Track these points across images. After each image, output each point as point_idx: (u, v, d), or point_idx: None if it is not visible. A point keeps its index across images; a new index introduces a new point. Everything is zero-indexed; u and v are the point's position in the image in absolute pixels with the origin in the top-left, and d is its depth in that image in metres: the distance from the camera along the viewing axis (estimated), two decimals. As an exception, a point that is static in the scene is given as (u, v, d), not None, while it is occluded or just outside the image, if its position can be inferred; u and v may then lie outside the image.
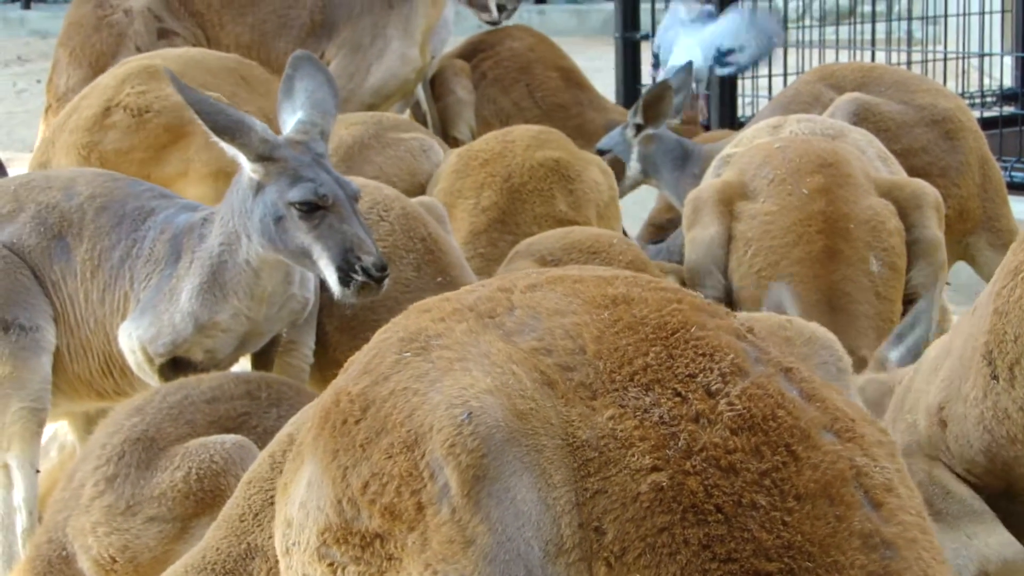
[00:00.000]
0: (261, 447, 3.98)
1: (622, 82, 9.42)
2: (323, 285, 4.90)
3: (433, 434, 2.68)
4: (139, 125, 6.38)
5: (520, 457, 2.67)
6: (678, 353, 2.79)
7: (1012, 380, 3.81)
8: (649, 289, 2.91)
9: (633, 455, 2.68)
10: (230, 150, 4.43)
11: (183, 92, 4.43)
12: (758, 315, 3.25)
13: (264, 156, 4.40)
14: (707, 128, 8.64)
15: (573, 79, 8.60)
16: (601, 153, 6.78)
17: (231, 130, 4.40)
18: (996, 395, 3.81)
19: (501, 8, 8.53)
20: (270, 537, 3.56)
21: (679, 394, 2.74)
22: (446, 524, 2.66)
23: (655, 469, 2.67)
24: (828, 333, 3.26)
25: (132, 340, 4.63)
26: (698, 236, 5.00)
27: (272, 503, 3.59)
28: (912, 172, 5.58)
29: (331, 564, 2.80)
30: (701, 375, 2.77)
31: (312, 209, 4.35)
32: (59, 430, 5.58)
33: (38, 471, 4.85)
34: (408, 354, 2.83)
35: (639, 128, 6.79)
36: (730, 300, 4.94)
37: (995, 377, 3.86)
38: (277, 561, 3.52)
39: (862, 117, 6.03)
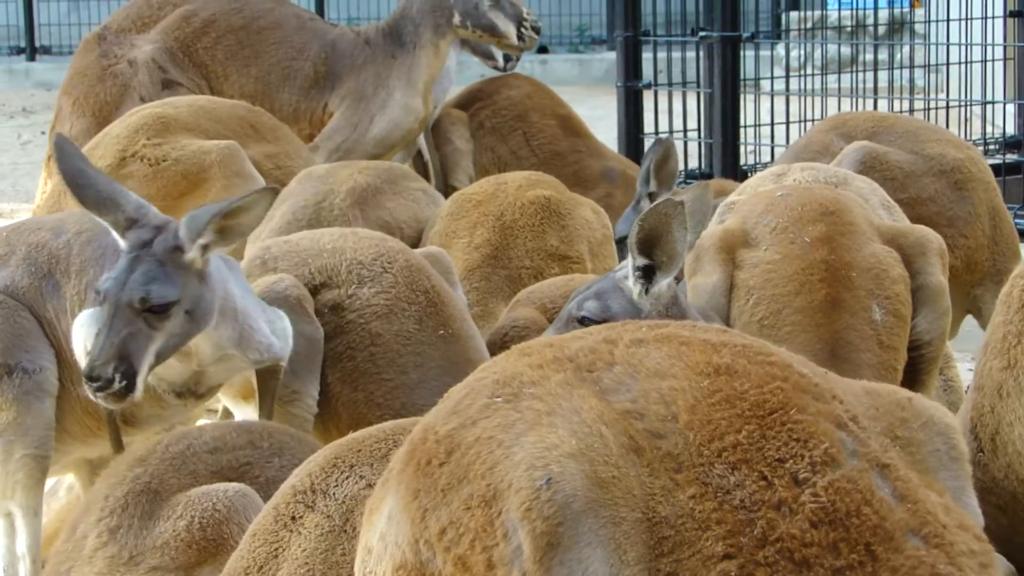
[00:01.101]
0: (263, 497, 3.97)
1: (624, 131, 9.42)
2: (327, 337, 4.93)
3: (511, 494, 2.65)
4: (156, 174, 6.41)
5: (596, 529, 2.62)
6: (771, 435, 2.72)
7: (995, 450, 3.85)
8: (756, 362, 2.84)
9: (707, 540, 2.63)
10: (103, 223, 4.45)
11: (61, 162, 4.45)
12: (882, 387, 3.10)
13: (127, 233, 4.41)
14: (709, 177, 8.64)
15: (570, 127, 8.59)
16: (621, 241, 6.65)
17: (99, 205, 4.41)
18: (984, 467, 3.83)
19: (507, 57, 8.55)
20: (274, 590, 3.55)
21: (765, 478, 2.68)
22: None
23: (727, 557, 2.62)
24: (947, 417, 3.09)
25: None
26: (700, 283, 4.97)
27: (276, 556, 3.58)
28: (918, 221, 5.55)
29: None
30: (791, 461, 2.70)
31: (97, 296, 4.36)
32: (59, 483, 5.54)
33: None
34: (499, 399, 2.80)
35: (652, 196, 6.62)
36: None
37: (981, 450, 3.89)
38: (281, 615, 3.52)
39: (869, 165, 6.03)
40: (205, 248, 4.35)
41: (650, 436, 2.72)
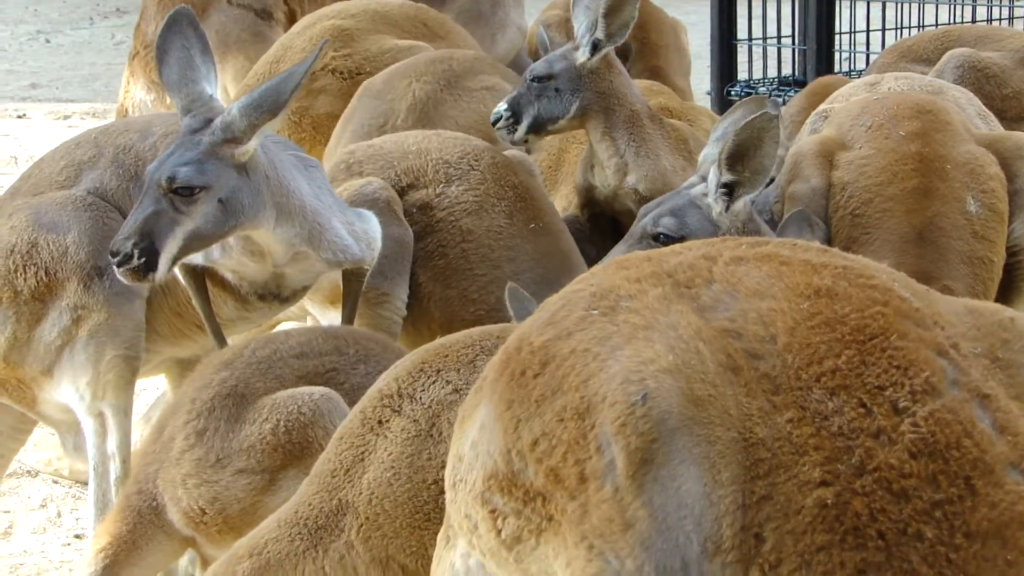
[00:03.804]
0: (348, 403, 3.97)
1: (716, 37, 9.28)
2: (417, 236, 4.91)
3: (605, 407, 2.62)
4: (352, 87, 6.37)
5: (690, 447, 2.59)
6: (871, 361, 2.67)
7: None
8: (857, 285, 2.78)
9: (804, 465, 2.59)
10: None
11: (163, 31, 4.46)
12: (985, 306, 3.00)
13: (182, 119, 4.41)
14: (803, 84, 8.49)
15: (643, 53, 8.27)
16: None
17: (170, 86, 4.42)
18: None
19: None
20: (360, 493, 3.56)
21: (864, 405, 2.63)
22: (607, 502, 2.61)
23: (823, 484, 2.58)
24: None
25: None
26: (798, 189, 4.96)
27: (362, 460, 3.58)
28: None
29: (493, 511, 2.77)
30: (891, 389, 2.65)
31: None
32: (161, 397, 5.58)
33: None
34: (596, 312, 2.76)
35: (597, 44, 5.61)
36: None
37: None
38: (368, 518, 3.54)
39: (969, 67, 6.10)
40: (256, 129, 4.31)
41: (748, 356, 2.67)
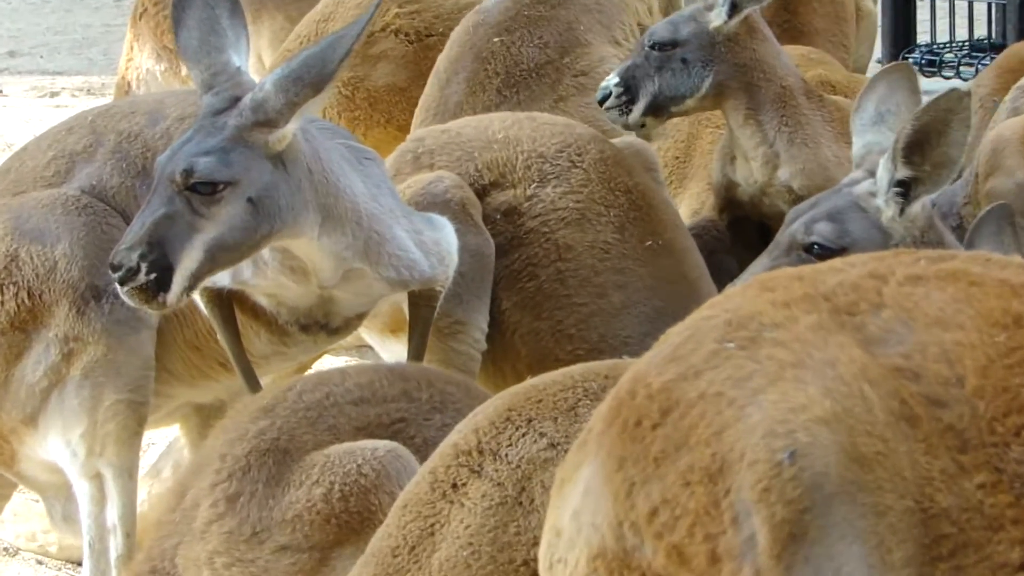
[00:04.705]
0: (420, 462, 3.98)
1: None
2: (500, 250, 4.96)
3: (743, 468, 2.65)
4: (419, 53, 6.45)
5: (852, 520, 2.61)
6: None
7: None
8: None
9: (1000, 543, 2.61)
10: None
11: None
12: None
13: (202, 99, 4.50)
14: (1001, 49, 8.47)
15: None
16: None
17: (188, 55, 4.51)
18: None
19: None
20: (430, 577, 3.59)
21: None
22: None
23: None
24: None
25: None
26: (1001, 185, 4.98)
27: (432, 534, 3.61)
28: None
29: None
30: None
31: None
32: (174, 443, 5.62)
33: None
34: (731, 344, 2.79)
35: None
36: None
37: None
38: (438, 610, 3.56)
39: None
40: (295, 108, 4.35)
41: (928, 403, 2.69)
